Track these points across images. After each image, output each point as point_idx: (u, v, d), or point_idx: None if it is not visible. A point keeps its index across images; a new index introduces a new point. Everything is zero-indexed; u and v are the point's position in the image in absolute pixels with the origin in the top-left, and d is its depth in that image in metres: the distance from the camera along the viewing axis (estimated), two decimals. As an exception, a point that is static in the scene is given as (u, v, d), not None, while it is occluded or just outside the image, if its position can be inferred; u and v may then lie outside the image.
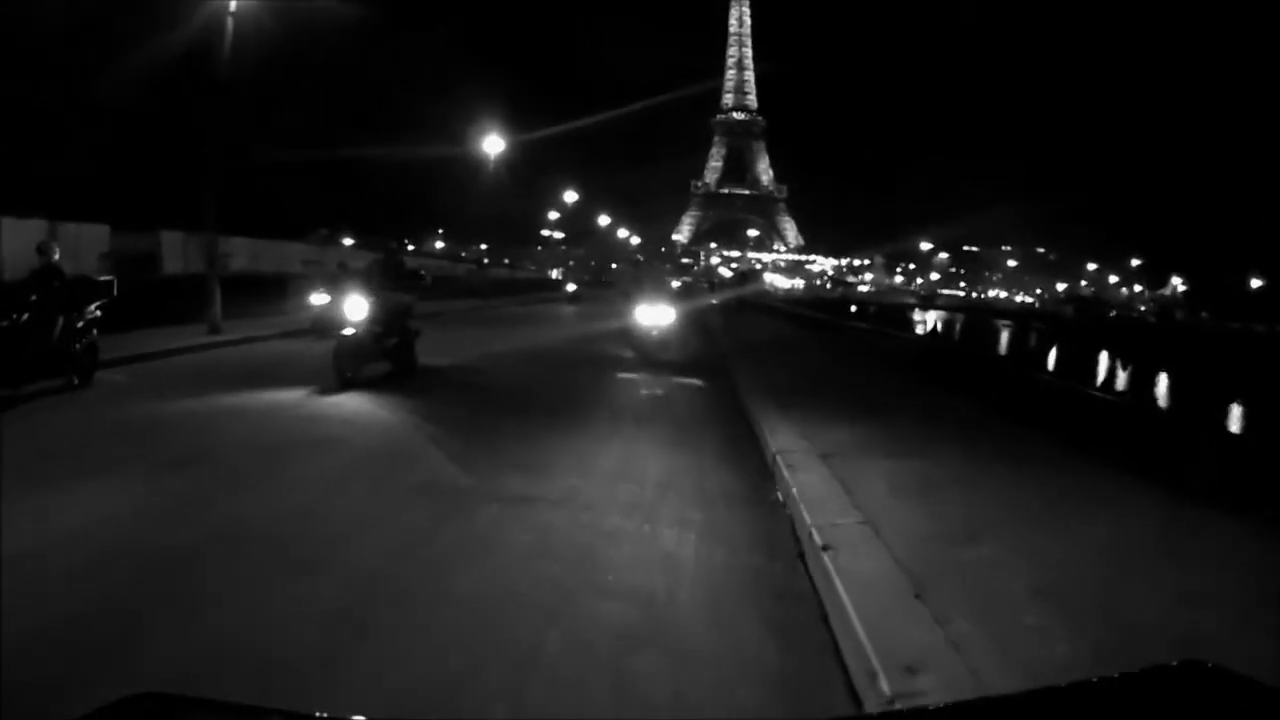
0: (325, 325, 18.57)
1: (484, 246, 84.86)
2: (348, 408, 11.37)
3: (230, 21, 19.40)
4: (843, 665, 4.29)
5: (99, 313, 12.77)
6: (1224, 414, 35.44)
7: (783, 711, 3.89)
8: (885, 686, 3.71)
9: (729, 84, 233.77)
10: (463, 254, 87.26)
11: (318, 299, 21.65)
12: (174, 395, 11.70)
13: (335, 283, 16.98)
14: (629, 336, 18.75)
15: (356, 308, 13.48)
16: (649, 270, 21.73)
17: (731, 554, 6.06)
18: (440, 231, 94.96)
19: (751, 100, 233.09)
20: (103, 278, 13.48)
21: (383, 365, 14.21)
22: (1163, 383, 47.38)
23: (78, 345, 12.19)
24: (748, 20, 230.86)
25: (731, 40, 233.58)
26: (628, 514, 6.89)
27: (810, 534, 5.91)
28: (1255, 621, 4.55)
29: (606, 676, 4.08)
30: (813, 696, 4.01)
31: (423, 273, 16.85)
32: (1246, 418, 35.44)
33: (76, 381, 12.12)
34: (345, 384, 12.77)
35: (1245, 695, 1.52)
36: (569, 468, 8.45)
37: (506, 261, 72.63)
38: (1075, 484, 7.87)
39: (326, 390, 12.48)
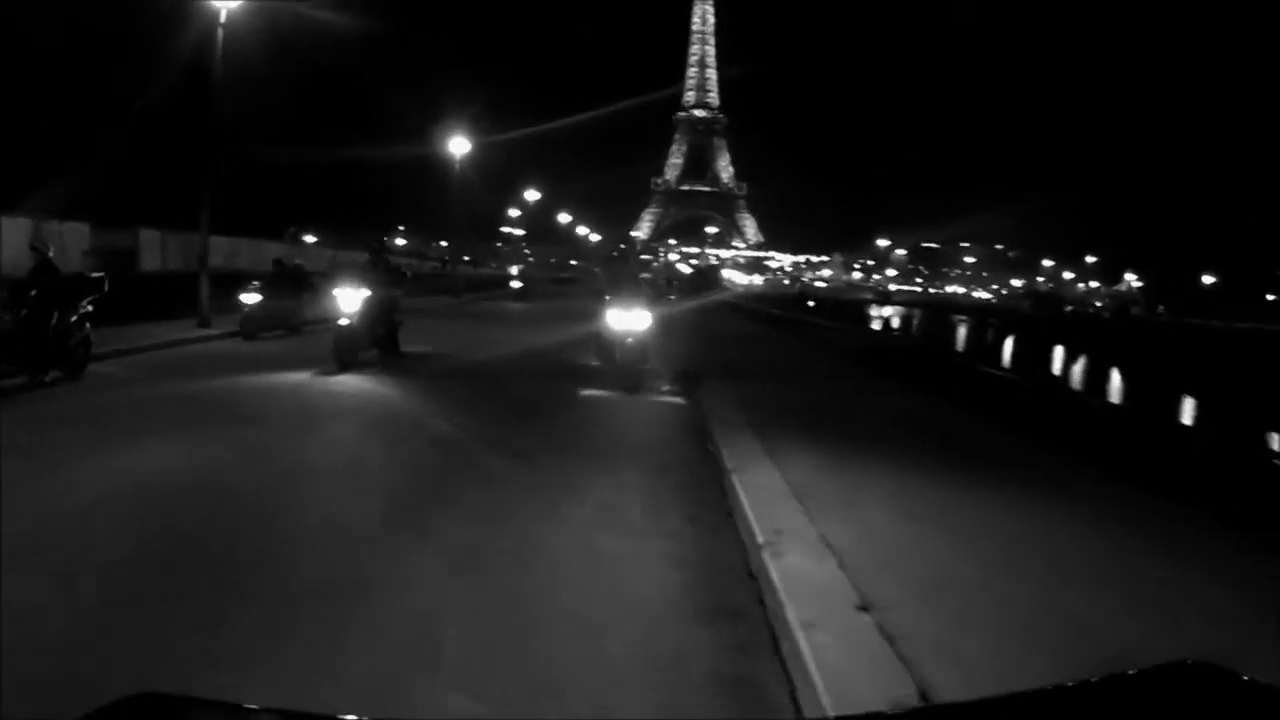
0: (256, 324, 19.71)
1: (444, 244, 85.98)
2: (352, 385, 13.37)
3: (220, 33, 20.65)
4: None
5: (91, 308, 13.33)
6: (1156, 401, 37.76)
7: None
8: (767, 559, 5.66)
9: (691, 82, 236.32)
10: (424, 251, 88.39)
11: (248, 297, 20.30)
12: (194, 377, 13.55)
13: (330, 278, 18.83)
14: (599, 344, 15.87)
15: (352, 300, 15.37)
16: (623, 268, 19.62)
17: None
18: (401, 229, 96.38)
19: (713, 98, 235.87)
20: (94, 274, 14.45)
21: (372, 352, 15.95)
22: (1113, 375, 49.69)
23: (72, 339, 12.73)
24: (711, 19, 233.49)
25: (694, 38, 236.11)
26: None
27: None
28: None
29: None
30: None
31: (405, 270, 18.79)
32: (1157, 398, 37.81)
33: (58, 374, 12.46)
34: (344, 367, 14.68)
35: (1245, 695, 1.56)
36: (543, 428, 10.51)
37: (467, 259, 73.85)
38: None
39: (329, 372, 14.38)
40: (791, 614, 4.63)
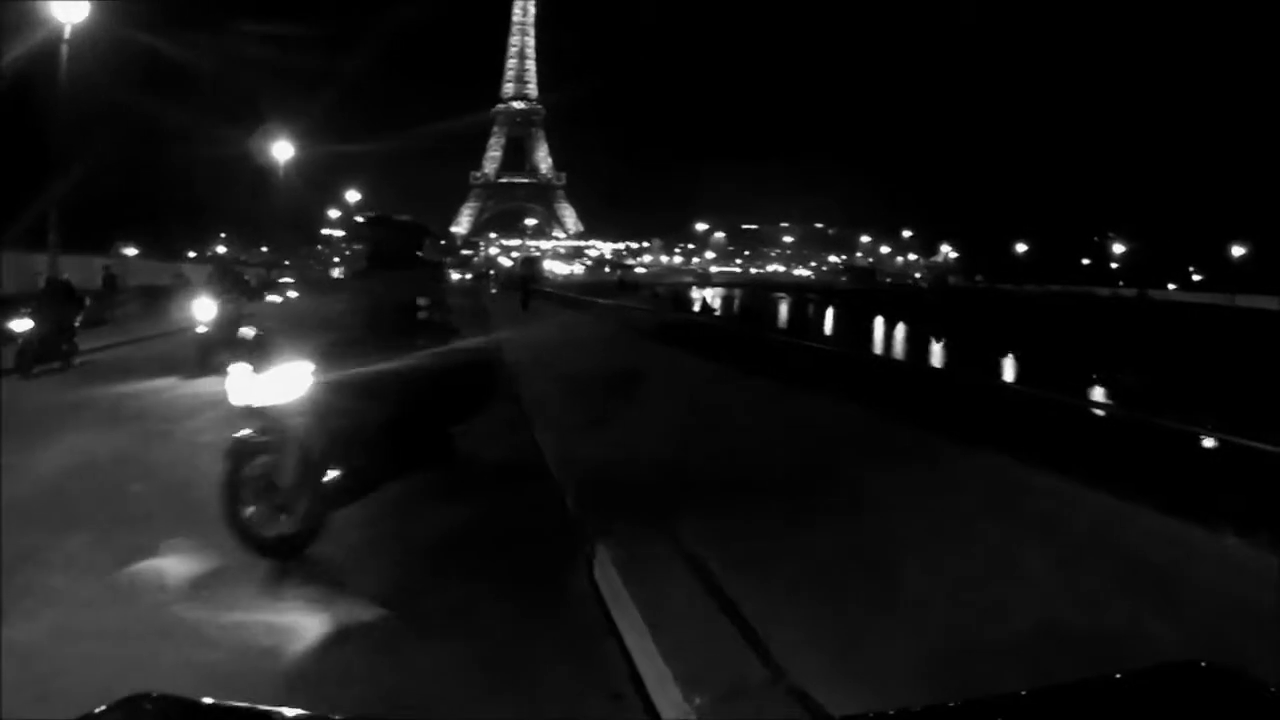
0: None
1: (264, 249, 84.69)
2: (215, 387, 14.60)
3: (65, 49, 21.25)
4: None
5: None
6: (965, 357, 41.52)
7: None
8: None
9: (510, 73, 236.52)
10: (241, 258, 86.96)
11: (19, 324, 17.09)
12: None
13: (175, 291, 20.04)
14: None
15: (206, 309, 17.04)
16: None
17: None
18: (223, 236, 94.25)
19: (532, 89, 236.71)
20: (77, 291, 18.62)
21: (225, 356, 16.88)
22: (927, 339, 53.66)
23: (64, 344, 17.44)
24: (531, 10, 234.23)
25: (514, 29, 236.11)
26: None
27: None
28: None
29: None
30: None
31: (248, 278, 20.11)
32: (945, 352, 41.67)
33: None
34: (205, 370, 15.91)
35: (1246, 695, 1.65)
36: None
37: (287, 263, 72.95)
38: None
39: (192, 376, 15.91)
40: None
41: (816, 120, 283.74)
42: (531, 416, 11.84)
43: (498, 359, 9.51)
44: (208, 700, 1.65)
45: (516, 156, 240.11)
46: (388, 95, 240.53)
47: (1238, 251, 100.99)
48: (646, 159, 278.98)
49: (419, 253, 9.41)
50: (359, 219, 10.12)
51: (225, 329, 16.66)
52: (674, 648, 4.63)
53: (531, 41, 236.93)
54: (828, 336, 52.66)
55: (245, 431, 6.81)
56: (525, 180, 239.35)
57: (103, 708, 1.53)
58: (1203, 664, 1.74)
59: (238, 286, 18.86)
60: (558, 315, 36.21)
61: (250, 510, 6.51)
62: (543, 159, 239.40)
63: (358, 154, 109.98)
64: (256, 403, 6.77)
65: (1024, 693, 1.74)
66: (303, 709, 1.77)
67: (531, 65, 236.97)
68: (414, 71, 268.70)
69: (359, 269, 9.13)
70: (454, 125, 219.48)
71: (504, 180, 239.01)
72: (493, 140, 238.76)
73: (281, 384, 6.69)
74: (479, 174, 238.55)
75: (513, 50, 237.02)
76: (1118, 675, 1.76)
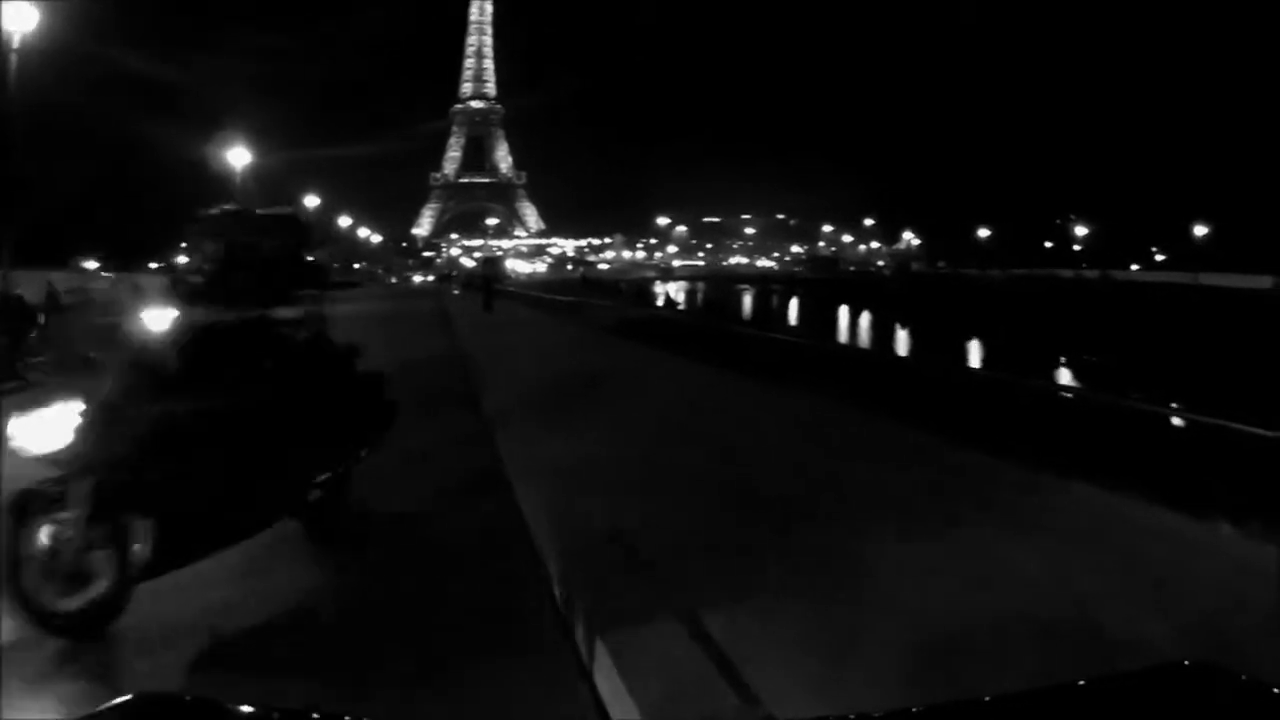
0: None
1: None
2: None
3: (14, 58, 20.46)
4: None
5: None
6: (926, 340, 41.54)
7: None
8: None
9: (468, 73, 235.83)
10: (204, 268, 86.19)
11: None
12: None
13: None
14: None
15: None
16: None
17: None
18: (184, 245, 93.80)
19: (490, 88, 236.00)
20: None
21: None
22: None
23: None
24: (489, 9, 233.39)
25: (471, 29, 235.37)
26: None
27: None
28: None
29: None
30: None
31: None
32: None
33: None
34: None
35: (1245, 695, 1.65)
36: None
37: None
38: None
39: None
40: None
41: (777, 112, 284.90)
42: (494, 426, 11.15)
43: (382, 378, 7.46)
44: (208, 700, 1.66)
45: (476, 156, 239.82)
46: (348, 101, 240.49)
47: (1200, 231, 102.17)
48: (607, 155, 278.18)
49: (303, 252, 7.61)
50: (212, 211, 6.80)
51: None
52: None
53: (489, 41, 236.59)
54: (792, 327, 52.67)
55: (31, 483, 5.38)
56: (485, 180, 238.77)
57: (103, 707, 1.50)
58: (1203, 664, 1.72)
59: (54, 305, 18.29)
60: (521, 315, 35.92)
61: (35, 578, 5.21)
62: (503, 158, 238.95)
63: (317, 160, 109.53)
64: (41, 448, 5.32)
65: (1022, 693, 1.72)
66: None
67: (490, 65, 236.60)
68: (376, 75, 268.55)
69: (199, 276, 6.63)
70: (414, 128, 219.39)
71: (464, 181, 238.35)
72: (452, 141, 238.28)
73: (73, 424, 5.30)
74: (439, 175, 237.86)
75: (470, 50, 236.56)
76: (1117, 675, 1.76)
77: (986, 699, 1.74)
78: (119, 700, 1.55)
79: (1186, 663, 1.74)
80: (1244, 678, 1.65)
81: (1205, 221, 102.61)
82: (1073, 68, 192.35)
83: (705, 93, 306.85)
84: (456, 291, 64.72)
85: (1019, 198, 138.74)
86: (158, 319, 6.05)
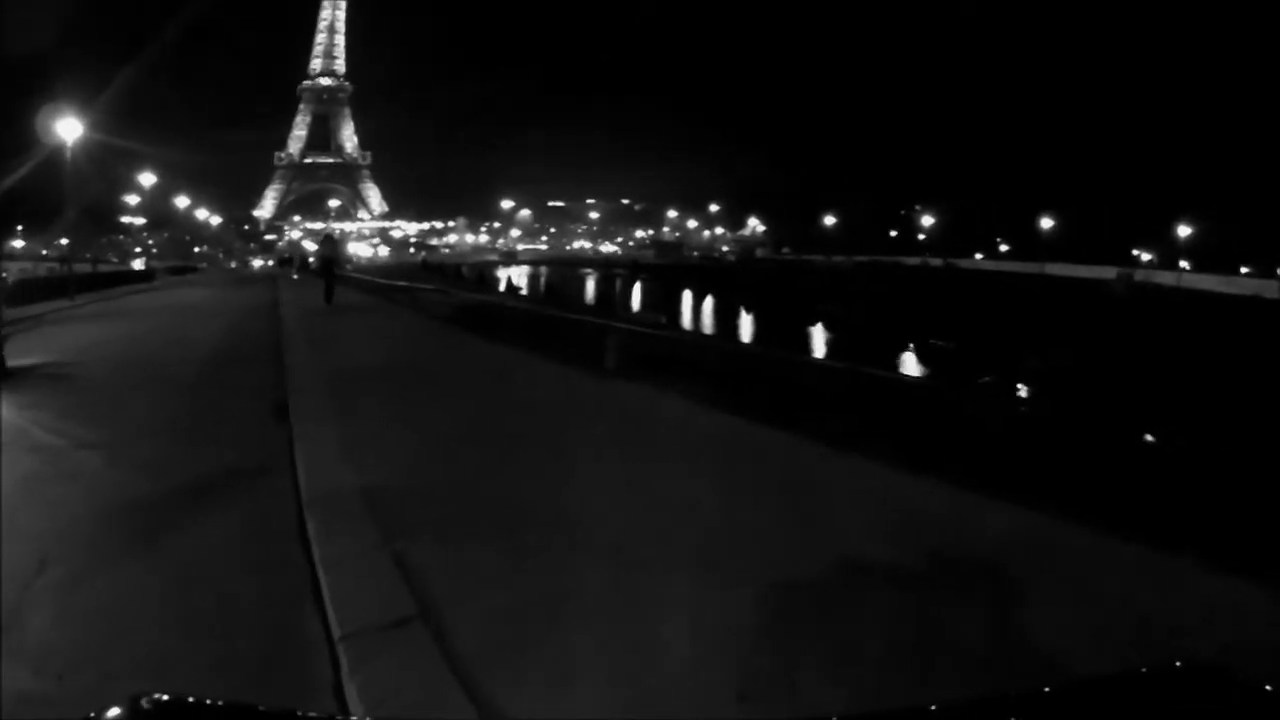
0: None
1: (65, 241, 79.71)
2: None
3: None
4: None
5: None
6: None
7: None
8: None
9: (318, 48, 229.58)
10: (44, 252, 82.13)
11: None
12: None
13: None
14: None
15: None
16: None
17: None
18: (20, 229, 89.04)
19: (340, 65, 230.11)
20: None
21: None
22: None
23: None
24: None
25: (324, 4, 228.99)
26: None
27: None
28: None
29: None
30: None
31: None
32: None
33: None
34: None
35: (1244, 696, 1.64)
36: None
37: (89, 256, 68.33)
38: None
39: None
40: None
41: (623, 93, 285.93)
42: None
43: None
44: (209, 700, 1.59)
45: (322, 136, 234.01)
46: (193, 78, 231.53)
47: (1047, 224, 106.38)
48: (453, 136, 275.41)
49: None
50: None
51: None
52: None
53: (342, 15, 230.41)
54: (636, 314, 52.35)
55: None
56: (330, 160, 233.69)
57: (106, 709, 1.43)
58: (1202, 665, 1.73)
59: None
60: (358, 302, 34.39)
61: None
62: (348, 138, 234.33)
63: (156, 136, 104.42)
64: None
65: (1025, 693, 1.72)
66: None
67: (341, 40, 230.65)
68: (222, 53, 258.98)
69: None
70: (261, 105, 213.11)
71: (309, 160, 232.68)
72: (298, 119, 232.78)
73: None
74: (283, 155, 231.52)
75: (322, 24, 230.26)
76: (1116, 676, 1.77)
77: (985, 699, 1.80)
78: (120, 701, 1.46)
79: (1189, 664, 1.74)
80: (1243, 679, 1.63)
81: (1051, 214, 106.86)
82: (925, 59, 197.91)
83: (553, 74, 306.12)
84: (295, 277, 62.29)
85: (865, 187, 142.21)
86: None
